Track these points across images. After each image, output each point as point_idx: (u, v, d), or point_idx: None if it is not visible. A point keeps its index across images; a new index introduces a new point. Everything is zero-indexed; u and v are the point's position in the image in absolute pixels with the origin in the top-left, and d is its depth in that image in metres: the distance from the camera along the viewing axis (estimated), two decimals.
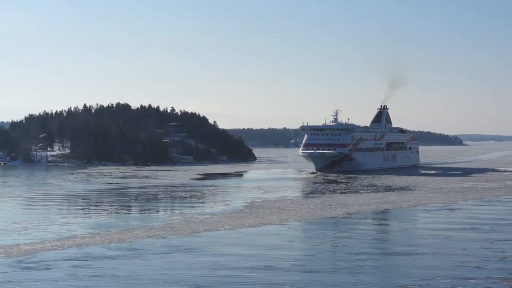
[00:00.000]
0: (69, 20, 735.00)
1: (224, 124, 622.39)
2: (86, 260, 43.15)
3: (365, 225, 63.28)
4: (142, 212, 75.97)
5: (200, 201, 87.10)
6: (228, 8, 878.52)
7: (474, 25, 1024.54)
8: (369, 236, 55.65)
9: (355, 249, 48.23)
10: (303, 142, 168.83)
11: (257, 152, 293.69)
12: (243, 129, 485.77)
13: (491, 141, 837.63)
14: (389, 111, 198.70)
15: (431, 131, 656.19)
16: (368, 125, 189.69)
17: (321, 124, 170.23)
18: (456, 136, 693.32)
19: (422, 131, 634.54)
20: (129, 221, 64.98)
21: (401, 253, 47.41)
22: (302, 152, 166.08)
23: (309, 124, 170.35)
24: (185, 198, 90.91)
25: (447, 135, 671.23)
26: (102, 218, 67.33)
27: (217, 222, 63.07)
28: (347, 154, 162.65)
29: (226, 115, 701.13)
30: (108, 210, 75.80)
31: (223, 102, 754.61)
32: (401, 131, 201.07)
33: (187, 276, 38.75)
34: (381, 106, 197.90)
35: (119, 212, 73.76)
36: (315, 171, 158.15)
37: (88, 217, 68.38)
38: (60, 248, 47.81)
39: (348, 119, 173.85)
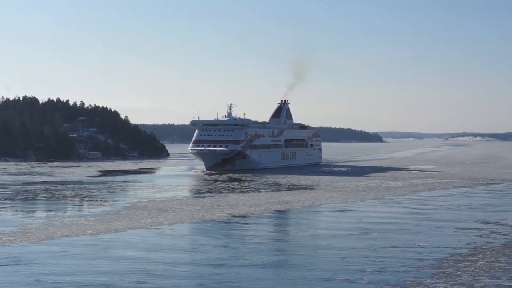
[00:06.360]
0: None
1: (144, 119, 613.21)
2: None
3: (242, 230, 57.57)
4: (7, 214, 68.22)
5: (82, 201, 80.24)
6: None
7: (396, 17, 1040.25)
8: (240, 243, 49.82)
9: (215, 260, 42.43)
10: (193, 138, 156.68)
11: (175, 148, 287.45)
12: (163, 124, 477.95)
13: (411, 139, 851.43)
14: (290, 106, 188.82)
15: (352, 128, 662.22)
16: (267, 120, 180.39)
17: (213, 119, 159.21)
18: (376, 133, 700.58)
19: (343, 128, 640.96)
20: None
21: (268, 264, 41.83)
22: (191, 149, 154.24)
23: (200, 119, 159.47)
24: (67, 197, 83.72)
25: (368, 132, 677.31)
26: None
27: (81, 226, 56.52)
28: (240, 151, 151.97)
29: (147, 110, 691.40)
30: None
31: (144, 97, 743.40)
32: (302, 127, 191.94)
33: None
34: (282, 100, 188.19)
35: None
36: (205, 170, 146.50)
37: None
38: None
39: (244, 113, 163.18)
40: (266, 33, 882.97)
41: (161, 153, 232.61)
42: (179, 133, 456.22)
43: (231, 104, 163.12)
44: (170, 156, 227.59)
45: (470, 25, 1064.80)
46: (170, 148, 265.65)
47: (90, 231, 53.83)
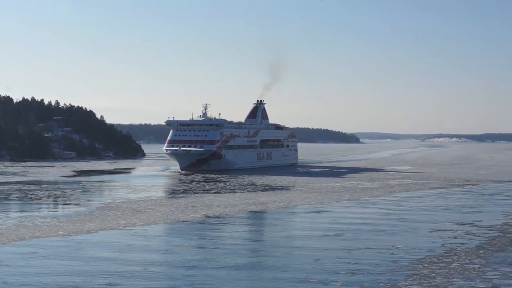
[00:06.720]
0: None
1: (120, 119, 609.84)
2: None
3: (216, 231, 57.03)
4: None
5: (55, 201, 79.14)
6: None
7: (372, 18, 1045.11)
8: (214, 244, 49.24)
9: (189, 262, 41.83)
10: (168, 138, 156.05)
11: (151, 148, 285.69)
12: (140, 124, 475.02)
13: (388, 140, 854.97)
14: (266, 106, 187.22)
15: (329, 128, 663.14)
16: (243, 121, 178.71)
17: (188, 119, 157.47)
18: (353, 134, 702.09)
19: (320, 129, 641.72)
20: None
21: (242, 266, 41.35)
22: (166, 149, 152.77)
23: (175, 119, 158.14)
24: (40, 198, 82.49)
25: (345, 133, 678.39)
26: None
27: (53, 227, 55.66)
28: (215, 151, 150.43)
29: (123, 110, 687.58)
30: None
31: (120, 97, 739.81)
32: (278, 127, 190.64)
33: None
34: (258, 101, 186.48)
35: None
36: (180, 171, 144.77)
37: None
38: None
39: (219, 114, 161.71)
40: (242, 33, 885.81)
41: (137, 153, 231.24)
42: (156, 133, 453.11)
43: (206, 104, 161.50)
44: (146, 156, 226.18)
45: (446, 27, 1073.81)
46: (146, 148, 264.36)
47: (61, 232, 53.03)
